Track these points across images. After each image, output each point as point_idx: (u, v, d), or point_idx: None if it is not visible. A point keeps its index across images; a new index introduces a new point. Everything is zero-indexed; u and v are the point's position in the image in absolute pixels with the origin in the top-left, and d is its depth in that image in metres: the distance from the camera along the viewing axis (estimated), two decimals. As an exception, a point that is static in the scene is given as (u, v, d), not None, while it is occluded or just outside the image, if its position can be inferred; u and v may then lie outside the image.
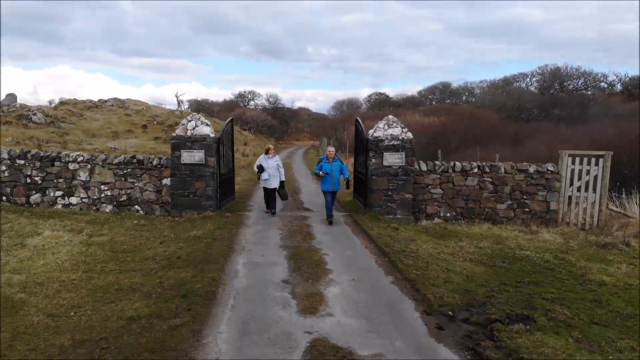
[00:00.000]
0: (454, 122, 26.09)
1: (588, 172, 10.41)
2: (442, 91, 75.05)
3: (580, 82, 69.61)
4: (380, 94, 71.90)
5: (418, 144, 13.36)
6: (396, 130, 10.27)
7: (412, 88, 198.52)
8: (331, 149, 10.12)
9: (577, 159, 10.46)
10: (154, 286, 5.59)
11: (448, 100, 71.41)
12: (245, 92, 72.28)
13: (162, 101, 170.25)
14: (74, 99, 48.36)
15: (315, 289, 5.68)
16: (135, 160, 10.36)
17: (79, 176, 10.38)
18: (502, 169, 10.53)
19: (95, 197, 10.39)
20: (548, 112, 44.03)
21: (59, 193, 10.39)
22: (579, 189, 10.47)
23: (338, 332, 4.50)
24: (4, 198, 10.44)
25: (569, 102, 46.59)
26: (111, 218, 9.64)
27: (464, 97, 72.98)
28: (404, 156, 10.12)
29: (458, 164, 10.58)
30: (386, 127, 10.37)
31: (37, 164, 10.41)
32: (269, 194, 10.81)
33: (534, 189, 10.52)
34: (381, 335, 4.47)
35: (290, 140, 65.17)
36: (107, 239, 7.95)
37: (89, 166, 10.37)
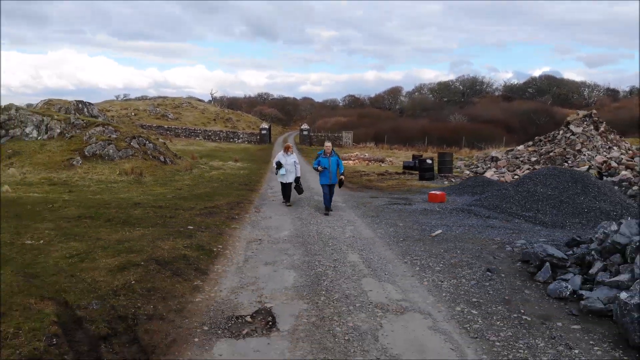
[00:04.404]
0: (355, 119, 63.03)
1: (347, 135, 48.29)
2: (396, 93, 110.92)
3: (484, 87, 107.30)
4: (351, 96, 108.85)
5: (335, 129, 51.72)
6: (306, 125, 48.54)
7: (418, 71, 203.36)
8: (328, 144, 10.97)
9: (349, 133, 48.21)
10: (256, 150, 43.67)
11: (399, 101, 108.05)
12: (263, 93, 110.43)
13: (167, 85, 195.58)
14: (164, 99, 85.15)
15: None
16: (251, 132, 48.42)
17: (239, 135, 48.50)
18: (330, 135, 48.45)
19: (242, 140, 48.41)
20: (428, 111, 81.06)
21: (235, 139, 48.45)
22: (346, 139, 48.28)
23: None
24: (200, 139, 48.67)
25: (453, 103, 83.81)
26: (246, 145, 47.58)
27: (416, 94, 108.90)
28: (309, 131, 48.11)
29: (320, 133, 48.62)
30: (304, 124, 48.60)
31: (224, 133, 48.49)
32: (286, 188, 12.14)
33: (336, 139, 48.33)
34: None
35: (295, 126, 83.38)
36: (246, 146, 46.02)
37: (243, 134, 48.47)
